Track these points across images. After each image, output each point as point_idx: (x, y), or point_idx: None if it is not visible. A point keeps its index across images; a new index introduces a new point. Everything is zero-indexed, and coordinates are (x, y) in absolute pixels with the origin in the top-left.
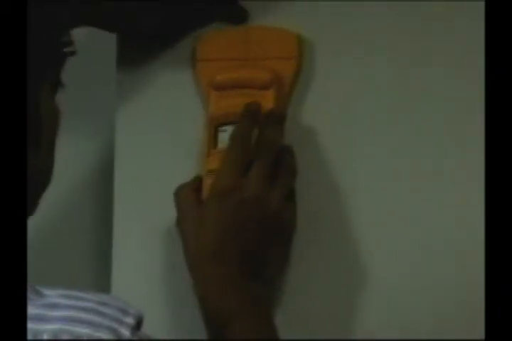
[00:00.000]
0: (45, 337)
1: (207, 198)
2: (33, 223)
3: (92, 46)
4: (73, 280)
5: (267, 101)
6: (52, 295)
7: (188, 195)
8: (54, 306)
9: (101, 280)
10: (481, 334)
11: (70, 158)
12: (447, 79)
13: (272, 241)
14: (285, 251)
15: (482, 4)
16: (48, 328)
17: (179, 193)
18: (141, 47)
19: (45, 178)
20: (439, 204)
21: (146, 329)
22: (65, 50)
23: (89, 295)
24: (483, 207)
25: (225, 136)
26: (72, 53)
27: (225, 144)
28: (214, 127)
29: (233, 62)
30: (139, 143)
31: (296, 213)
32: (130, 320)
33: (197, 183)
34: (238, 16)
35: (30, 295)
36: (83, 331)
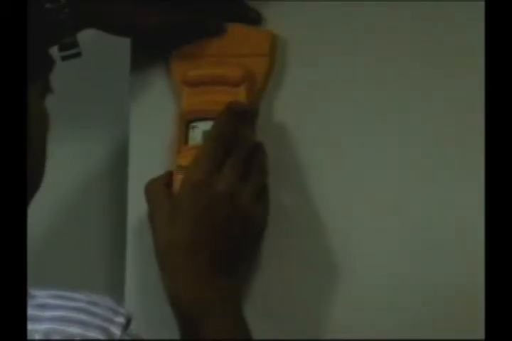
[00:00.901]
0: (37, 337)
1: (179, 192)
2: (45, 222)
3: (105, 47)
4: (86, 281)
5: (239, 97)
6: (41, 295)
7: (159, 188)
8: (44, 306)
9: (115, 280)
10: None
11: (84, 158)
12: (422, 77)
13: (242, 237)
14: (255, 247)
15: (482, 4)
16: (39, 328)
17: (150, 187)
18: (153, 48)
19: (34, 180)
20: (416, 202)
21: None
22: (70, 51)
23: (79, 295)
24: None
25: (196, 132)
26: (78, 54)
27: (196, 141)
28: (185, 123)
29: (206, 59)
30: (153, 142)
31: (268, 210)
32: (121, 320)
33: (168, 178)
34: (249, 18)
35: None
36: (75, 331)
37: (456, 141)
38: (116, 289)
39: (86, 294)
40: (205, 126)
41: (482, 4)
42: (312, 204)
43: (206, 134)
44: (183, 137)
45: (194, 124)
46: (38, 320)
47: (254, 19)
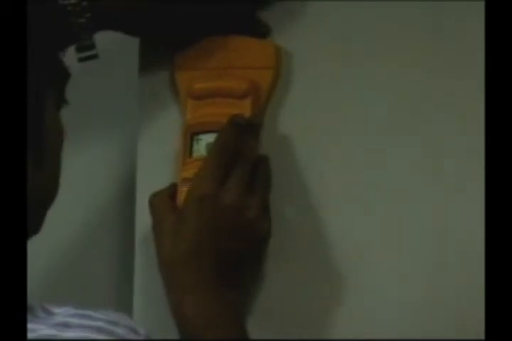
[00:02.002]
0: None
1: (184, 204)
2: (52, 237)
3: (114, 53)
4: (94, 295)
5: (244, 110)
6: (61, 313)
7: (163, 201)
8: (66, 326)
9: (123, 294)
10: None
11: (91, 171)
12: (430, 87)
13: (247, 249)
14: (259, 259)
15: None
16: None
17: (154, 200)
18: (162, 53)
19: (49, 194)
20: (418, 212)
21: None
22: (88, 53)
23: (99, 314)
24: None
25: (200, 144)
26: (95, 56)
27: (200, 153)
28: (190, 136)
29: (211, 71)
30: (162, 153)
31: (270, 223)
32: (139, 339)
33: (172, 190)
34: (259, 32)
35: (39, 314)
36: None
37: (462, 150)
38: (124, 303)
39: (105, 313)
40: (210, 138)
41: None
42: (316, 216)
43: (210, 147)
44: (188, 149)
45: (199, 136)
46: (60, 339)
47: (263, 32)
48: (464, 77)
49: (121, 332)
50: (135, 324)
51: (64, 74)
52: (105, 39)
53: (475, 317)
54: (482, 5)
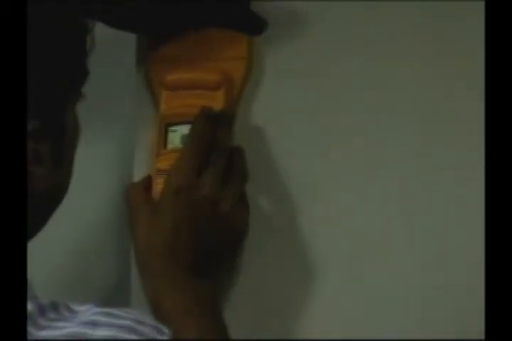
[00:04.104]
0: None
1: (161, 196)
2: (54, 236)
3: (111, 48)
4: (93, 288)
5: (217, 101)
6: (85, 311)
7: (138, 193)
8: (94, 324)
9: (121, 288)
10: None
11: (90, 167)
12: (430, 87)
13: (223, 241)
14: (236, 251)
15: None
16: None
17: (129, 191)
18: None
19: (63, 191)
20: (390, 206)
21: None
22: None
23: (124, 312)
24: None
25: (175, 136)
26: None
27: (175, 144)
28: (164, 127)
29: (184, 63)
30: None
31: (248, 215)
32: (165, 339)
33: (147, 182)
34: (255, 27)
35: (64, 312)
36: None
37: (462, 150)
38: (122, 303)
39: (128, 311)
40: (184, 129)
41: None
42: (292, 209)
43: (185, 138)
44: (162, 140)
45: (173, 128)
46: (92, 339)
47: (260, 27)
48: (463, 77)
49: (147, 331)
50: (157, 323)
51: (85, 73)
52: (102, 36)
53: (475, 317)
54: (482, 5)
